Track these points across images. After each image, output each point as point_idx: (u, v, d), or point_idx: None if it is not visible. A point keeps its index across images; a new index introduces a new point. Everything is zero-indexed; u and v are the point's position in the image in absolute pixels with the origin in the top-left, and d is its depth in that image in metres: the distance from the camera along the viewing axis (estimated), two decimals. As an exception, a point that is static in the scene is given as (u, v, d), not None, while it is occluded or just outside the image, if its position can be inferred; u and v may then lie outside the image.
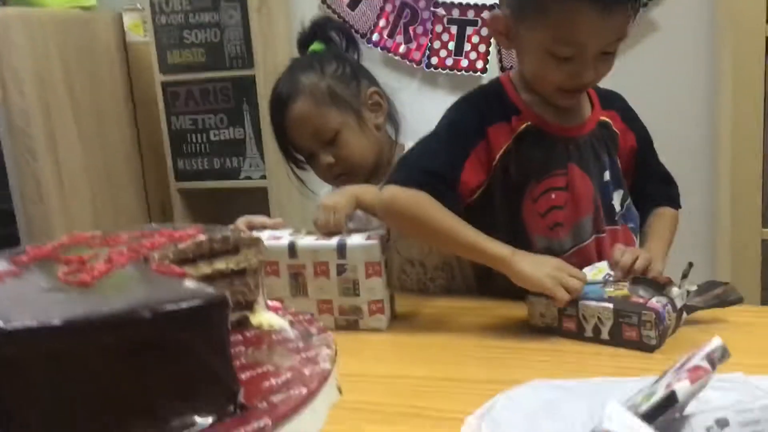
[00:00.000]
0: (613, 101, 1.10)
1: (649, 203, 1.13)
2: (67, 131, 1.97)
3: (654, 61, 1.83)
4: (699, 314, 0.91)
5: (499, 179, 1.01)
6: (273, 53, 2.02)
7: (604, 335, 0.86)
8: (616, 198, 1.07)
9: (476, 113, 1.02)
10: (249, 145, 2.09)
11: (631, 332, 0.84)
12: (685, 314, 0.90)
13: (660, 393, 0.41)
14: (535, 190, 1.00)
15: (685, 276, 0.91)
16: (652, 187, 1.14)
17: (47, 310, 0.39)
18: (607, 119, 1.07)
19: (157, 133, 2.17)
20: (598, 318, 0.86)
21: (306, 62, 1.23)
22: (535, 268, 0.90)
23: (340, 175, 1.21)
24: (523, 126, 1.00)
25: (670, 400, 0.40)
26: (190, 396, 0.40)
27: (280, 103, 1.21)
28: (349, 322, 0.96)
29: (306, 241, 0.97)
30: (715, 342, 0.45)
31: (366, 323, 0.96)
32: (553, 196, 1.00)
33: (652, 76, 1.82)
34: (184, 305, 0.39)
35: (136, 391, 0.38)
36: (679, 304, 0.88)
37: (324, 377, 0.46)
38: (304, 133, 1.19)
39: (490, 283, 1.07)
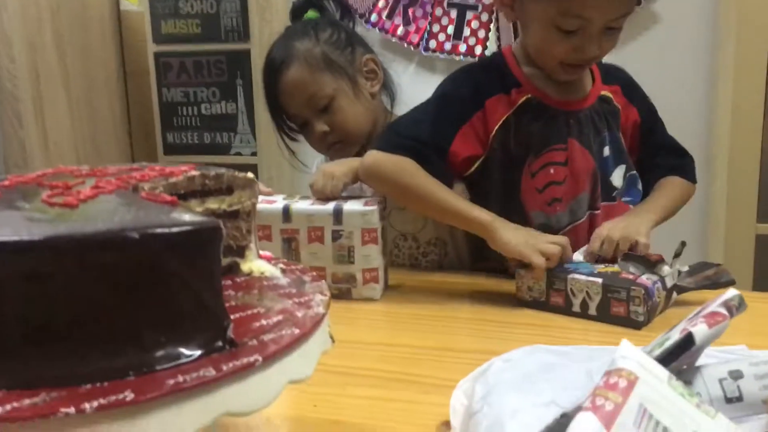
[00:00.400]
0: (614, 76, 1.08)
1: (656, 174, 1.09)
2: (55, 98, 1.93)
3: (654, 54, 1.81)
4: (689, 295, 0.90)
5: (498, 153, 0.99)
6: (270, 27, 1.98)
7: (592, 310, 0.85)
8: (618, 174, 1.05)
9: (473, 85, 1.00)
10: (241, 121, 2.06)
11: (619, 308, 0.82)
12: (675, 294, 0.88)
13: (675, 338, 0.40)
14: (533, 164, 0.99)
15: (677, 255, 0.89)
16: (660, 158, 1.10)
17: (29, 228, 0.36)
18: (608, 93, 1.05)
19: (147, 104, 2.14)
20: (587, 293, 0.85)
21: (300, 28, 1.20)
22: (513, 235, 0.90)
23: (334, 143, 1.18)
24: (524, 98, 0.98)
25: (687, 342, 0.39)
26: (177, 327, 0.38)
27: (273, 69, 1.17)
28: (342, 291, 0.94)
29: (301, 204, 0.95)
30: (732, 291, 0.44)
31: (359, 292, 0.94)
32: (552, 170, 0.99)
33: (652, 68, 1.80)
34: (174, 230, 0.37)
35: (120, 318, 0.36)
36: (669, 283, 0.87)
37: (317, 321, 0.44)
38: (298, 99, 1.16)
39: (484, 259, 1.05)
